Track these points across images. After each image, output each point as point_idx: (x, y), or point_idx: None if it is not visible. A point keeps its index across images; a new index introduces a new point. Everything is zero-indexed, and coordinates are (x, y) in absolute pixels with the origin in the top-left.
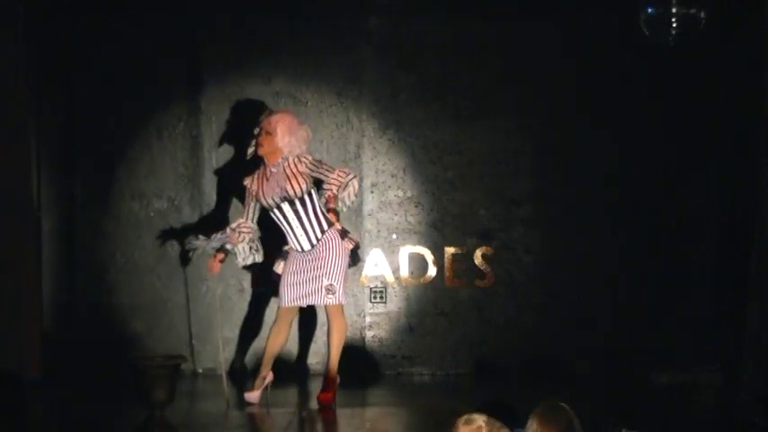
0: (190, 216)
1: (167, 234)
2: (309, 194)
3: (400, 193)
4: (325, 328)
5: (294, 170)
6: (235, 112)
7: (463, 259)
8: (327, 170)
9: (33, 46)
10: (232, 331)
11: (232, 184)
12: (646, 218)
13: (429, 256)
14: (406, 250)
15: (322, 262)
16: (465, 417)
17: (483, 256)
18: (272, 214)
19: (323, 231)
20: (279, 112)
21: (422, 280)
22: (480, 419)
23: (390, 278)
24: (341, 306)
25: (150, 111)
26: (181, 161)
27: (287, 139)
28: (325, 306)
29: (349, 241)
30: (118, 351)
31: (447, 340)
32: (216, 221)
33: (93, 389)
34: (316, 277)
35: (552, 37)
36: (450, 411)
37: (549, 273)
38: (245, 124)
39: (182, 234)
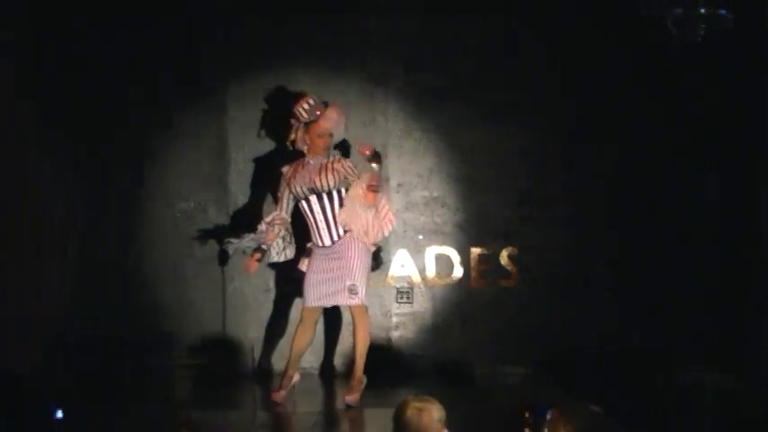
0: (216, 216)
1: (205, 234)
2: (338, 192)
3: (426, 194)
4: (351, 327)
5: (330, 166)
6: (261, 112)
7: (489, 259)
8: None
9: (59, 45)
10: (258, 331)
11: (258, 183)
12: (674, 218)
13: (455, 257)
14: (433, 251)
15: (344, 262)
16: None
17: (509, 256)
18: (300, 205)
19: (346, 230)
20: (335, 111)
21: (448, 280)
22: (413, 398)
23: (416, 278)
24: (365, 306)
25: (176, 112)
26: (206, 162)
27: (337, 142)
28: (350, 306)
29: (371, 246)
30: (144, 352)
31: (473, 340)
32: (244, 221)
33: (118, 389)
34: (338, 277)
35: (581, 35)
36: (476, 410)
37: (575, 272)
38: (271, 124)
39: (213, 234)
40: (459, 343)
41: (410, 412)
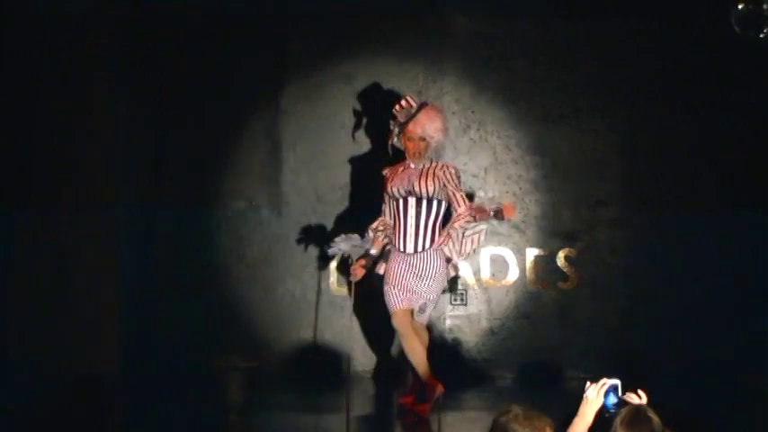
0: (268, 217)
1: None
2: (439, 202)
3: (482, 194)
4: None
5: (432, 171)
6: (314, 111)
7: (546, 261)
8: (459, 199)
9: (117, 46)
10: (309, 333)
11: (311, 183)
12: (733, 220)
13: (511, 258)
14: (488, 252)
15: (422, 279)
16: (502, 411)
17: (566, 257)
18: (391, 206)
19: (432, 243)
20: (427, 115)
21: (503, 282)
22: (517, 408)
23: (471, 280)
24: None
25: (229, 110)
26: (259, 161)
27: (438, 146)
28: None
29: (452, 268)
30: (194, 353)
31: (529, 343)
32: (300, 222)
33: (170, 392)
34: (414, 292)
35: (640, 36)
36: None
37: (634, 275)
38: (325, 123)
39: (267, 236)
40: (515, 346)
41: (504, 417)
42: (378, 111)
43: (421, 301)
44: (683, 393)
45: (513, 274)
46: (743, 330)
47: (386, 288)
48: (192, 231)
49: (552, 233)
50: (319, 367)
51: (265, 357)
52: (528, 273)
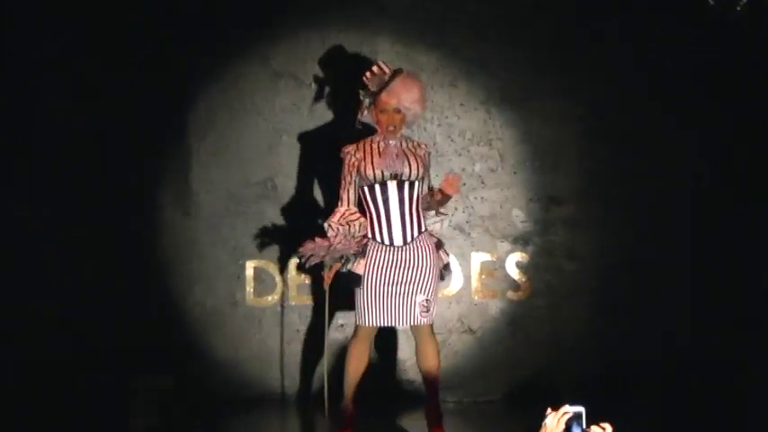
0: (174, 218)
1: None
2: (418, 183)
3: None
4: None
5: (414, 151)
6: (226, 96)
7: (494, 268)
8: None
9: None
10: (225, 351)
11: (224, 177)
12: (709, 220)
13: (454, 265)
14: None
15: (416, 271)
16: None
17: (517, 263)
18: (367, 194)
19: (420, 231)
20: (402, 84)
21: (445, 292)
22: None
23: None
24: (431, 326)
25: (129, 97)
26: (163, 154)
27: (414, 119)
28: (413, 327)
29: (444, 254)
30: (94, 372)
31: (476, 362)
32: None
33: (68, 413)
34: (407, 291)
35: (602, 12)
36: None
37: (596, 282)
38: (239, 110)
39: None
40: (459, 365)
41: None
42: (306, 96)
43: (421, 298)
44: (653, 413)
45: (456, 283)
46: (724, 344)
47: (366, 297)
48: (86, 233)
49: (501, 235)
50: (236, 389)
51: (173, 377)
52: (473, 281)
